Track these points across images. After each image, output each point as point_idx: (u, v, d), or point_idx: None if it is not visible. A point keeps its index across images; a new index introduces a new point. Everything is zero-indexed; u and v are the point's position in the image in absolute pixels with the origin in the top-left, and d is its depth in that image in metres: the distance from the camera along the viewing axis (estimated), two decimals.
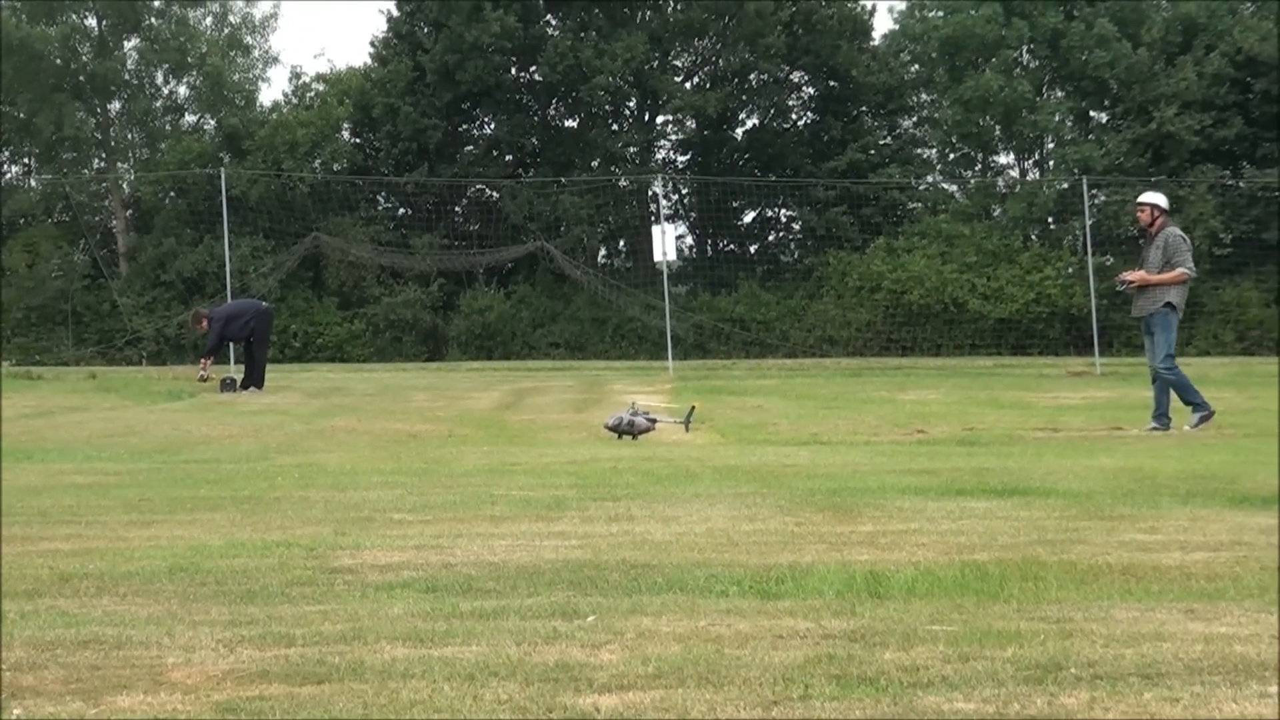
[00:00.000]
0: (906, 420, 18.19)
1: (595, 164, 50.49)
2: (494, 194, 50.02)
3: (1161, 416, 16.16)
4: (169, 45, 52.06)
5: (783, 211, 52.07)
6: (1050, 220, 47.76)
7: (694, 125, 52.11)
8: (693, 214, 51.81)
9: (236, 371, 28.18)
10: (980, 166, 51.46)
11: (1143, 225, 16.95)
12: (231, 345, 28.76)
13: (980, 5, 47.52)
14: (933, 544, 7.05)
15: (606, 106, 51.29)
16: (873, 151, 49.32)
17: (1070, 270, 44.56)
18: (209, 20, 53.96)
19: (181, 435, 17.15)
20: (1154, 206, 16.58)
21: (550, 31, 50.45)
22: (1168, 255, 16.20)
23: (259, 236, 46.72)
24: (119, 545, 7.32)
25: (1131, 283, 16.45)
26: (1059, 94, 49.17)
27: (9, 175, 55.48)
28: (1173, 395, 16.39)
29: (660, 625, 5.10)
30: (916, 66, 51.34)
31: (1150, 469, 10.80)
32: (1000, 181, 50.48)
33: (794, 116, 53.38)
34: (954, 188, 50.78)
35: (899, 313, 44.90)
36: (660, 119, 52.76)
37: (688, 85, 51.70)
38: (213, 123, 52.85)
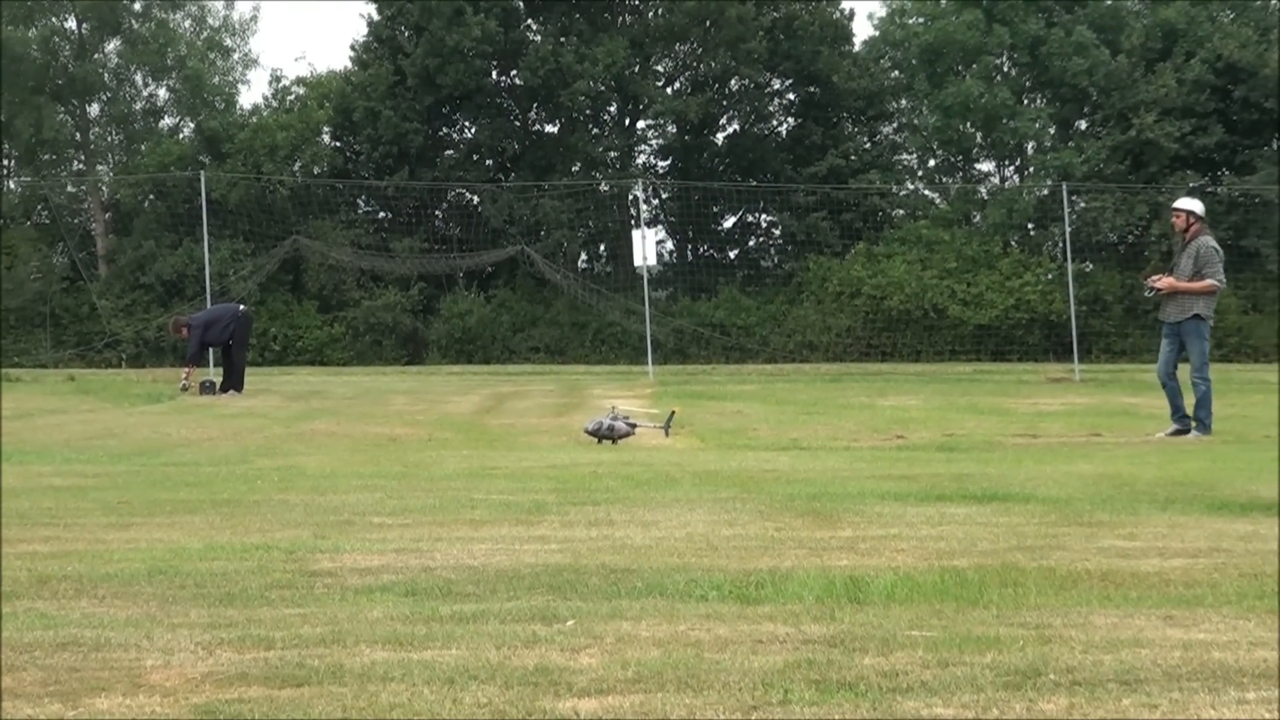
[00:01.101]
0: (886, 426, 18.21)
1: (576, 168, 50.47)
2: (474, 198, 50.01)
3: (1183, 418, 16.20)
4: (148, 48, 51.97)
5: (763, 217, 52.09)
6: (1030, 226, 47.85)
7: (674, 130, 52.14)
8: (673, 219, 51.78)
9: (215, 374, 28.13)
10: (961, 173, 51.55)
11: (1177, 231, 17.00)
12: (211, 349, 28.71)
13: (961, 12, 47.63)
14: (912, 549, 7.06)
15: (587, 111, 51.29)
16: (853, 157, 49.36)
17: (1050, 276, 44.65)
18: (188, 23, 53.89)
19: (160, 438, 17.12)
20: (1190, 213, 16.60)
21: (531, 36, 50.46)
22: (1199, 265, 16.24)
23: (239, 239, 46.62)
24: (97, 547, 7.30)
25: (1160, 289, 16.50)
26: (1039, 101, 49.28)
27: None
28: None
29: (640, 629, 5.10)
30: (897, 72, 51.44)
31: (1129, 475, 10.82)
32: (982, 189, 50.55)
33: (774, 122, 53.41)
34: (934, 194, 50.84)
35: (879, 318, 44.94)
36: (641, 124, 52.82)
37: (668, 90, 51.72)
38: (191, 125, 52.78)
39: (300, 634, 5.06)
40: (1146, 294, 17.45)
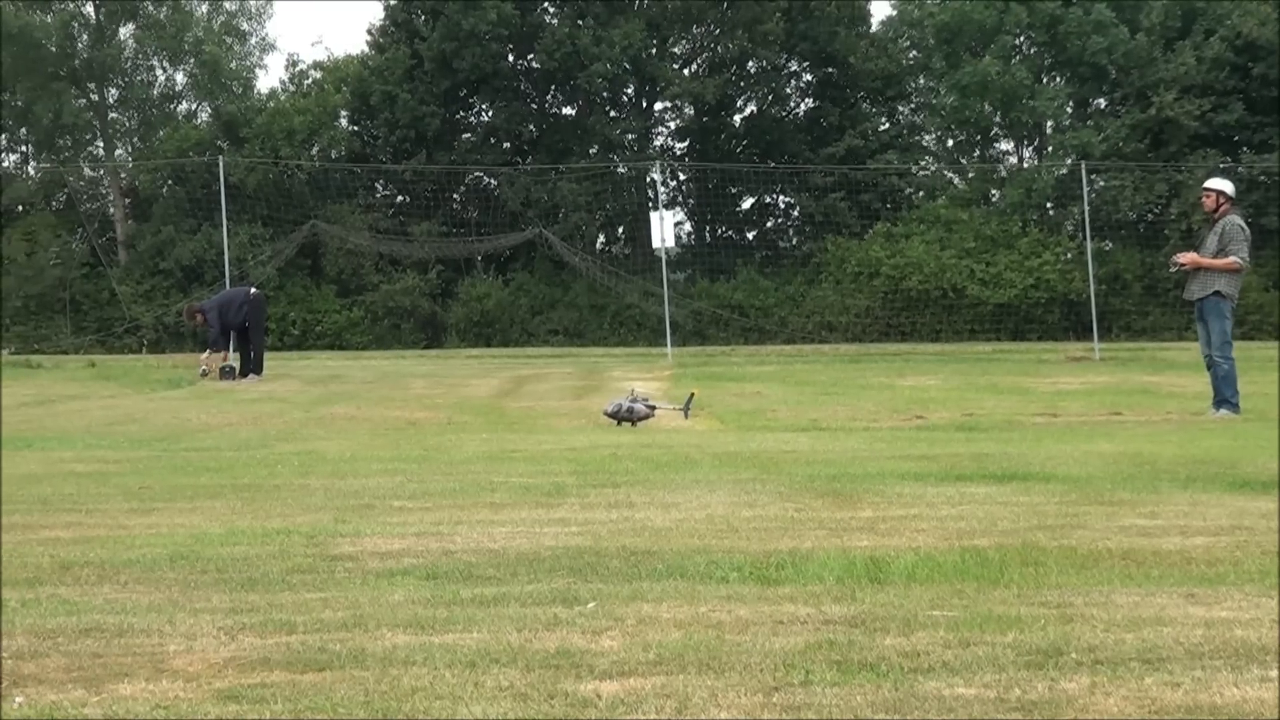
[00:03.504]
0: (906, 406, 18.20)
1: (593, 151, 50.48)
2: (492, 181, 50.04)
3: (1223, 403, 16.14)
4: (164, 32, 52.03)
5: (781, 198, 52.07)
6: (1049, 205, 47.75)
7: (692, 112, 52.10)
8: (691, 201, 51.80)
9: (234, 359, 28.17)
10: (979, 152, 51.43)
11: (1206, 211, 16.96)
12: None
13: None
14: (933, 529, 7.05)
15: (604, 93, 51.26)
16: (871, 137, 49.28)
17: (1069, 256, 44.57)
18: (204, 7, 53.95)
19: (181, 423, 17.16)
20: (1219, 193, 16.57)
21: (548, 19, 50.45)
22: (1223, 243, 16.21)
23: (257, 224, 46.70)
24: (119, 533, 7.31)
25: (1184, 265, 16.48)
26: (1058, 80, 49.11)
27: (7, 163, 55.50)
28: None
29: (661, 611, 5.10)
30: (914, 53, 51.30)
31: (1150, 454, 10.79)
32: (1000, 168, 50.45)
33: (792, 103, 53.36)
34: (953, 174, 50.73)
35: (898, 299, 44.90)
36: (658, 106, 52.83)
37: (686, 72, 51.66)
38: (209, 110, 52.84)
39: (322, 618, 5.07)
40: (1170, 270, 17.42)
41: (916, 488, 8.77)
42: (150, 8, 52.74)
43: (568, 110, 52.90)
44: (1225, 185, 16.75)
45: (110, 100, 53.87)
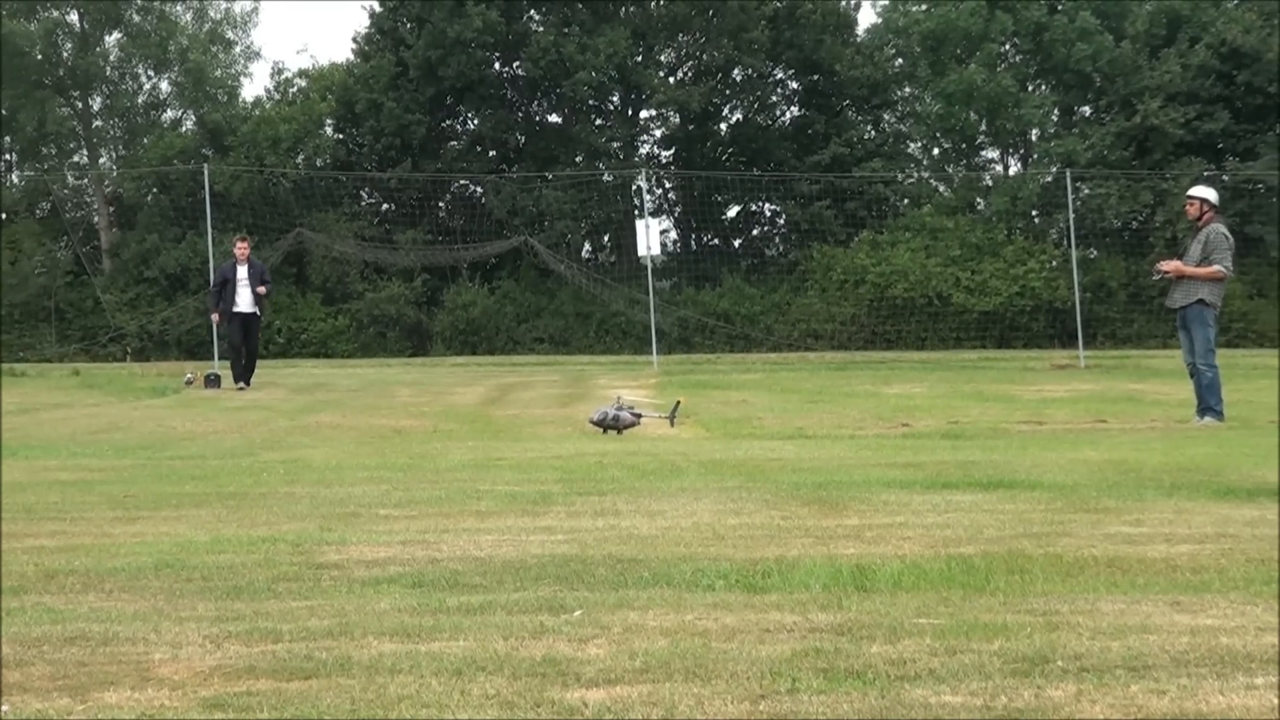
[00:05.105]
0: (891, 414, 18.22)
1: (579, 159, 50.46)
2: (478, 189, 49.99)
3: (1207, 410, 16.15)
4: (149, 40, 51.96)
5: (766, 206, 52.00)
6: (1034, 213, 47.77)
7: (678, 120, 52.06)
8: (677, 208, 51.76)
9: (221, 367, 28.12)
10: (965, 160, 51.45)
11: (1190, 218, 17.00)
12: (214, 336, 28.59)
13: None
14: (918, 537, 7.06)
15: (590, 101, 51.22)
16: (857, 145, 49.30)
17: (1054, 263, 44.58)
18: (189, 16, 53.86)
19: (166, 431, 17.15)
20: (1203, 201, 16.61)
21: (533, 27, 50.39)
22: (1207, 251, 16.24)
23: (242, 232, 46.50)
24: (105, 541, 7.30)
25: (1167, 273, 16.51)
26: (1043, 88, 49.16)
27: None
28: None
29: (647, 619, 5.10)
30: (900, 60, 51.30)
31: (1135, 461, 10.81)
32: (987, 176, 50.47)
33: (778, 111, 53.36)
34: (938, 182, 50.72)
35: (883, 306, 44.89)
36: (644, 114, 52.73)
37: (671, 80, 51.64)
38: (194, 118, 52.74)
39: (308, 626, 5.06)
40: (1154, 279, 17.45)
41: (902, 495, 8.78)
42: (135, 16, 52.64)
43: (553, 118, 52.89)
44: (1208, 193, 16.78)
45: (95, 108, 53.75)
